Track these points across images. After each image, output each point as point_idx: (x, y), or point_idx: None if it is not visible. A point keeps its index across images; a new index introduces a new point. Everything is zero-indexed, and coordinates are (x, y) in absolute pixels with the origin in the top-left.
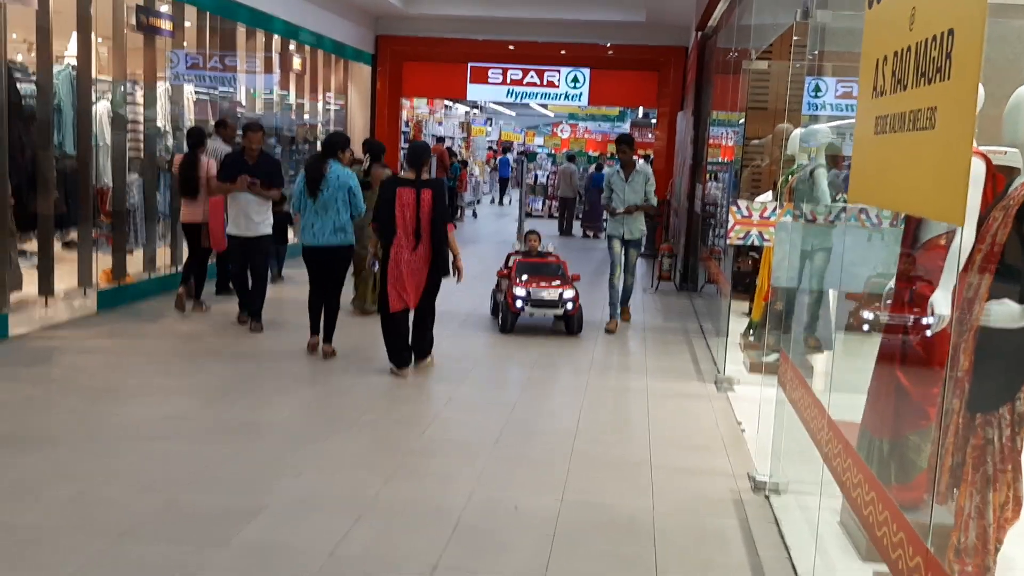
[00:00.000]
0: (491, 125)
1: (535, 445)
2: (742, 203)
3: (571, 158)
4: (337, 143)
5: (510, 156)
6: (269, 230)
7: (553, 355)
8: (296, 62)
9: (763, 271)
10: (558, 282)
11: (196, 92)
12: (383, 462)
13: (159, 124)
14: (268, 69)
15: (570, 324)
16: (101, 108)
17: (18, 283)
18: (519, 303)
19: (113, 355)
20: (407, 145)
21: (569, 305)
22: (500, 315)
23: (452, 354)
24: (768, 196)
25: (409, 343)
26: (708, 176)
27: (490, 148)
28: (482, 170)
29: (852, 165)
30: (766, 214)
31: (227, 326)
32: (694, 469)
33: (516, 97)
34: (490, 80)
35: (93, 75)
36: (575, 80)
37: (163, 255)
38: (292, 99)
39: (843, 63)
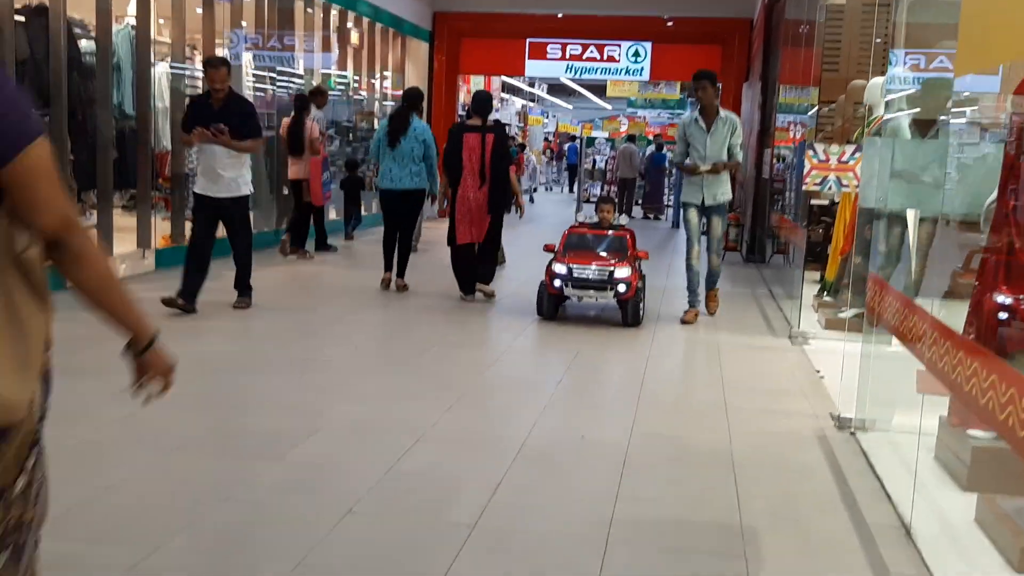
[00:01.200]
0: (548, 117)
1: (601, 387)
2: (819, 147)
3: (631, 138)
4: (418, 97)
5: (576, 144)
6: (247, 190)
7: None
8: (354, 36)
9: (838, 225)
10: (613, 258)
11: (254, 64)
12: (444, 395)
13: None
14: (326, 47)
15: (624, 311)
16: (160, 70)
17: None
18: (557, 282)
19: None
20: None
21: (622, 287)
22: (537, 296)
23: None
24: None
25: (475, 273)
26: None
27: (546, 139)
28: (539, 159)
29: (960, 33)
30: (844, 158)
31: (294, 273)
32: (772, 410)
33: (575, 72)
34: (549, 56)
35: (152, 36)
36: (636, 54)
37: None
38: (350, 76)
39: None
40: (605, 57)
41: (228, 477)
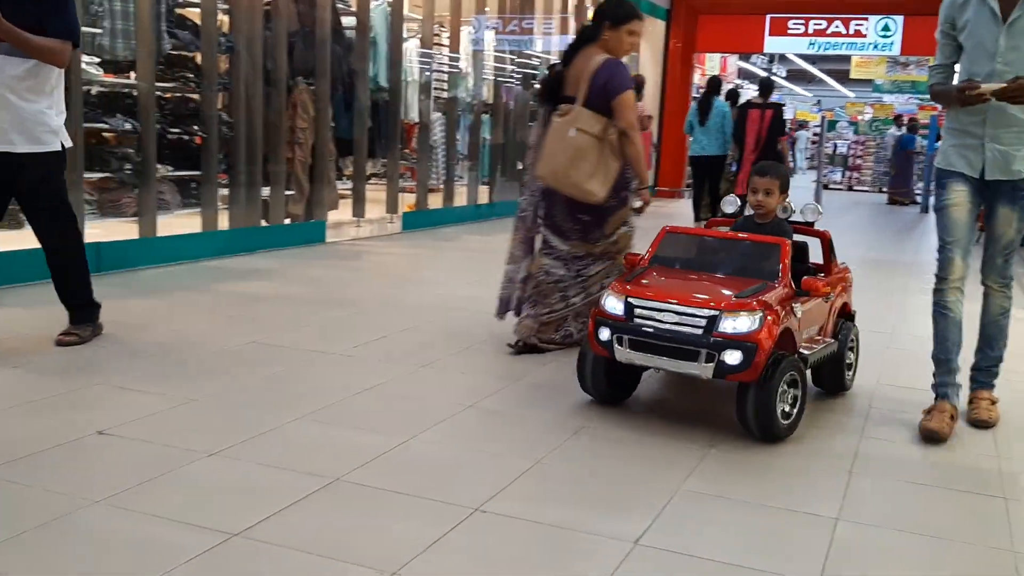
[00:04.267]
0: (786, 104)
1: None
2: None
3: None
4: (718, 83)
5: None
6: (50, 141)
7: None
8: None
9: None
10: (730, 290)
11: (496, 43)
12: None
13: (461, 66)
14: (563, 29)
15: (742, 405)
16: (411, 45)
17: (335, 203)
18: (605, 333)
19: (412, 258)
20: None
21: (732, 356)
22: (578, 358)
23: None
24: None
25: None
26: None
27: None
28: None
29: None
30: None
31: None
32: None
33: (818, 48)
34: (790, 31)
35: (405, 12)
36: (885, 29)
37: (462, 193)
38: None
39: None
40: (851, 32)
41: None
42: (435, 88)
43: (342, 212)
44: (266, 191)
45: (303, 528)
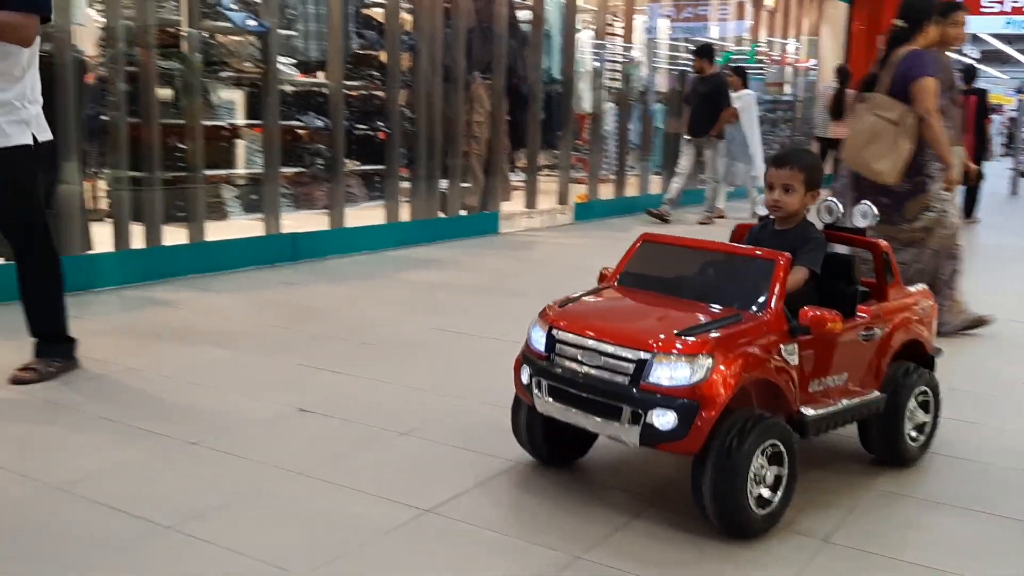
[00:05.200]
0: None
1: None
2: None
3: None
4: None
5: None
6: (17, 137)
7: None
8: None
9: None
10: (688, 318)
11: (671, 31)
12: None
13: (634, 55)
14: (740, 15)
15: (696, 482)
16: (584, 36)
17: (507, 194)
18: (525, 374)
19: (583, 248)
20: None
21: (661, 418)
22: (512, 405)
23: None
24: None
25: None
26: None
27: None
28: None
29: None
30: None
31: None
32: None
33: (1017, 27)
34: (983, 9)
35: (579, 3)
36: None
37: (634, 184)
38: (764, 39)
39: None
40: None
41: None
42: (607, 78)
43: (515, 203)
44: (444, 184)
45: (491, 507)
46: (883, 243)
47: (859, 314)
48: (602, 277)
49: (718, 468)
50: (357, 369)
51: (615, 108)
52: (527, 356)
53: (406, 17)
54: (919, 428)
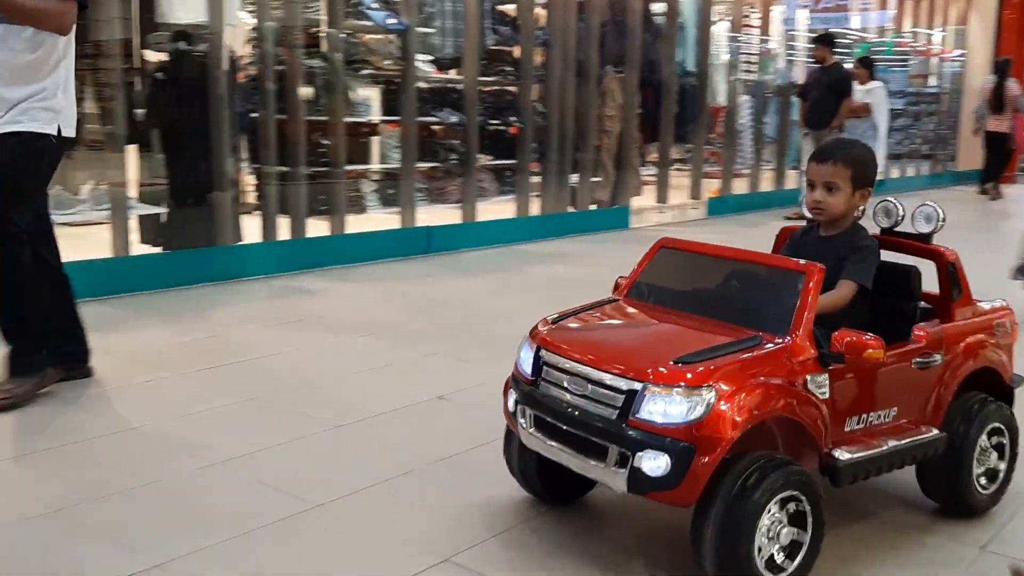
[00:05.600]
0: None
1: None
2: None
3: None
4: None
5: None
6: (28, 121)
7: None
8: None
9: None
10: (683, 347)
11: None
12: None
13: (770, 47)
14: (883, 5)
15: (696, 535)
16: (720, 28)
17: (638, 189)
18: (511, 400)
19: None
20: None
21: (650, 463)
22: (504, 435)
23: None
24: None
25: None
26: None
27: None
28: None
29: None
30: None
31: None
32: None
33: None
34: None
35: None
36: None
37: (769, 178)
38: (908, 28)
39: None
40: None
41: None
42: (743, 70)
43: (645, 198)
44: (574, 178)
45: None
46: (949, 252)
47: (914, 336)
48: (616, 287)
49: (721, 522)
50: (491, 359)
51: (750, 100)
52: (515, 379)
53: (540, 12)
54: (991, 475)
